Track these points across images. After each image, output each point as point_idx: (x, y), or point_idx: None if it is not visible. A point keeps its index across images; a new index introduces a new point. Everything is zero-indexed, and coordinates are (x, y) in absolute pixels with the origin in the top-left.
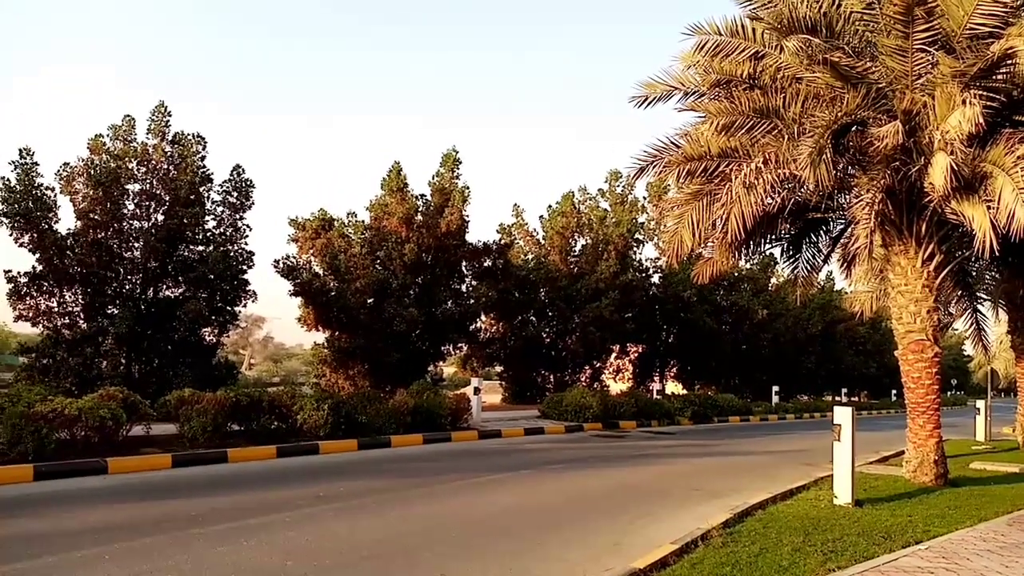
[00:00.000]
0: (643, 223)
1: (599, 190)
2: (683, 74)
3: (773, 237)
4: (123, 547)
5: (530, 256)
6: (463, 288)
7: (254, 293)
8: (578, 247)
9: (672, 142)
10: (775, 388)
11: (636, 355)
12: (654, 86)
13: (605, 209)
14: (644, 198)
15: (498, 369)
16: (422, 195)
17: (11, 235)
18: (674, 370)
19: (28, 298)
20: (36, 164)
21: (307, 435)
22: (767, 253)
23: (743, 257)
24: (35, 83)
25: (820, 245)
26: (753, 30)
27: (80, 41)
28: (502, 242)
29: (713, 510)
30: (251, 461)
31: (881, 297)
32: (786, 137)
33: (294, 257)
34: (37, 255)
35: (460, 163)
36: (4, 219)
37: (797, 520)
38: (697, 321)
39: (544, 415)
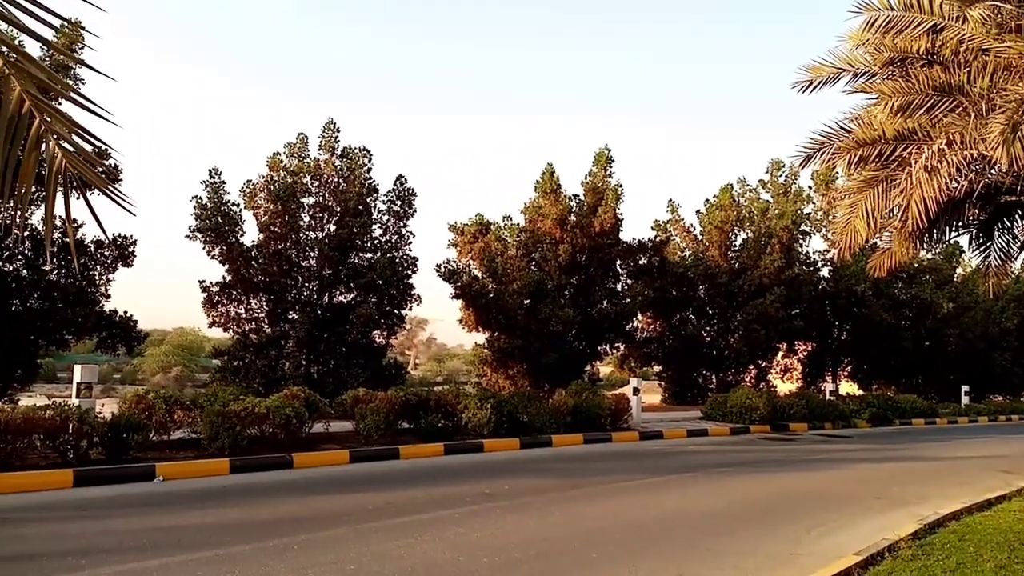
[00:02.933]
0: (809, 214)
1: (759, 181)
2: (851, 54)
3: (959, 224)
4: (309, 538)
5: (687, 252)
6: (618, 287)
7: (418, 296)
8: (738, 241)
9: (841, 127)
10: (964, 388)
11: (805, 354)
12: (819, 69)
13: (767, 201)
14: (809, 187)
15: (656, 369)
16: (575, 195)
17: (204, 248)
18: (848, 369)
19: (220, 306)
20: (223, 183)
21: (471, 433)
22: (952, 242)
23: (924, 247)
24: (221, 102)
25: (1016, 231)
26: (930, 1)
27: (248, 63)
28: (657, 239)
29: (898, 520)
30: (421, 458)
31: None
32: (972, 115)
33: (454, 261)
34: (226, 266)
35: (612, 161)
36: (198, 234)
37: (999, 534)
38: (873, 316)
39: (707, 416)
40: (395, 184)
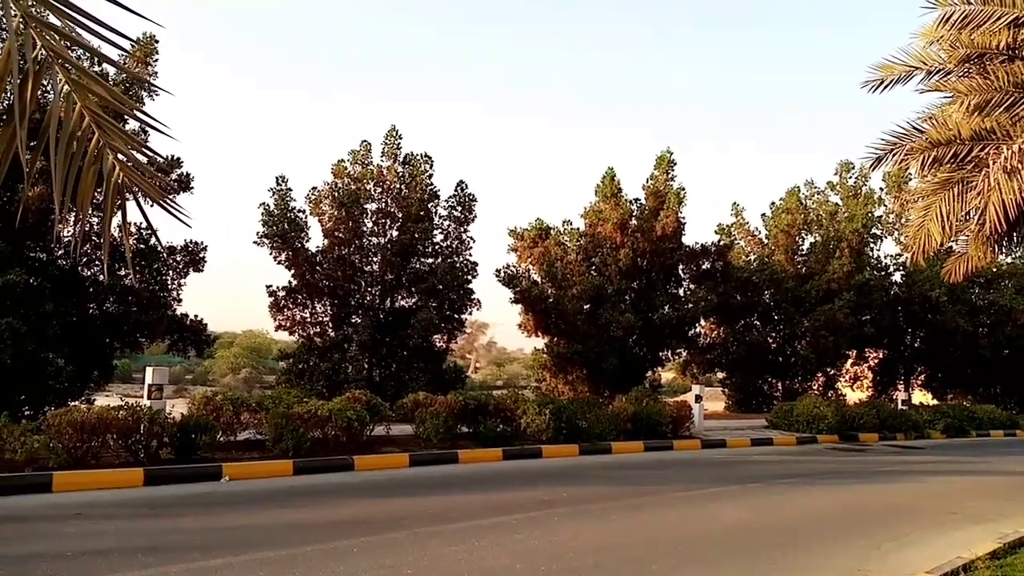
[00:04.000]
0: (880, 217)
1: (828, 183)
2: (924, 51)
3: None
4: (370, 541)
5: (752, 257)
6: (680, 292)
7: (478, 301)
8: (806, 245)
9: (913, 127)
10: None
11: (876, 361)
12: (891, 68)
13: (836, 203)
14: (881, 189)
15: (720, 376)
16: (636, 199)
17: (271, 254)
18: (921, 378)
19: (286, 310)
20: (290, 190)
21: (530, 439)
22: None
23: (1003, 251)
24: (288, 111)
25: None
26: None
27: (318, 66)
28: (721, 243)
29: (975, 537)
30: (480, 463)
31: None
32: None
33: (514, 266)
34: (292, 271)
35: (674, 164)
36: (265, 240)
37: None
38: (948, 323)
39: (772, 425)
40: (456, 190)
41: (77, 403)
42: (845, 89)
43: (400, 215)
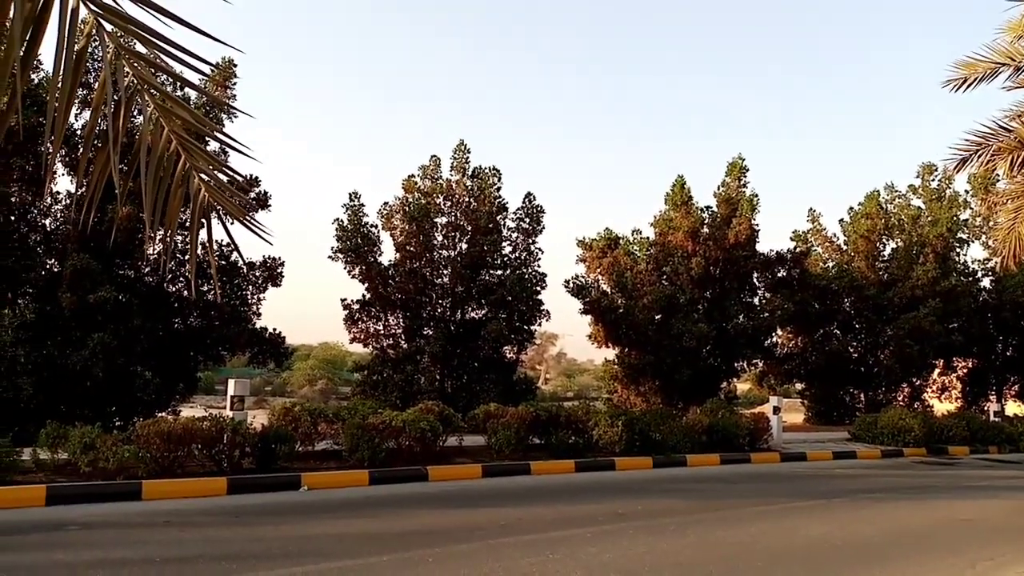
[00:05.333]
0: (966, 220)
1: (909, 186)
2: (1012, 47)
3: None
4: (443, 551)
5: (830, 263)
6: (755, 301)
7: (548, 312)
8: (887, 251)
9: (1000, 126)
10: None
11: (965, 371)
12: (974, 66)
13: (918, 207)
14: (966, 192)
15: (798, 387)
16: (707, 207)
17: (345, 268)
18: (1015, 388)
19: (360, 322)
20: (363, 205)
21: (602, 450)
22: None
23: None
24: (360, 128)
25: None
26: None
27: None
28: (797, 250)
29: None
30: (552, 474)
31: None
32: None
33: (583, 276)
34: (366, 285)
35: (747, 171)
36: (340, 255)
37: None
38: None
39: (855, 438)
40: (524, 202)
41: (164, 414)
42: (920, 90)
43: (469, 228)
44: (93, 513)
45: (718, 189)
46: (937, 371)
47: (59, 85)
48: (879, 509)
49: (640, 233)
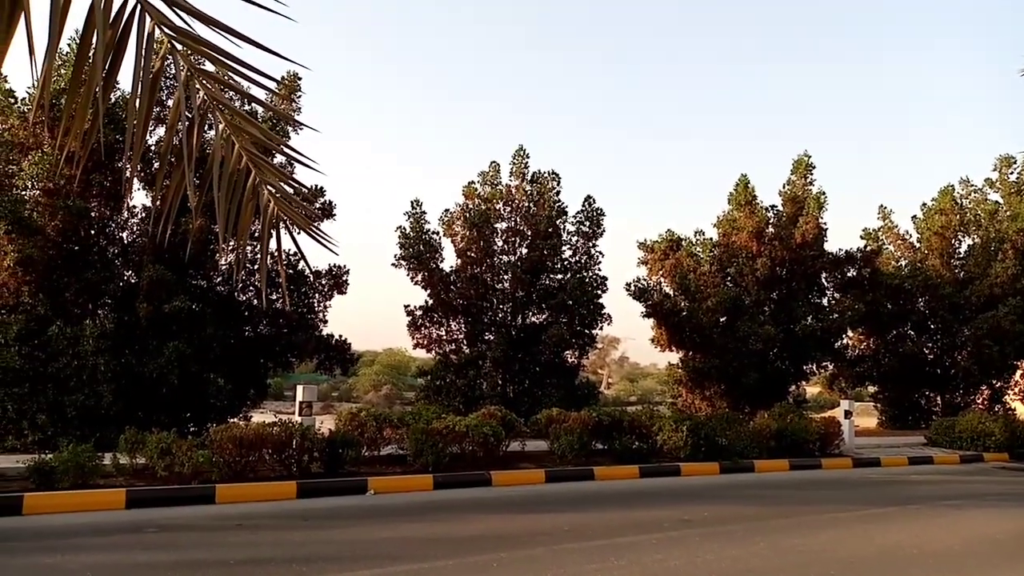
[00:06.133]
0: None
1: (986, 180)
2: None
3: None
4: (507, 556)
5: (903, 262)
6: (824, 302)
7: (609, 316)
8: (963, 248)
9: None
10: None
11: None
12: None
13: (995, 201)
14: None
15: (871, 390)
16: (772, 206)
17: (408, 275)
18: None
19: (423, 328)
20: (424, 213)
21: (667, 456)
22: None
23: None
24: (421, 138)
25: None
26: None
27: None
28: (867, 249)
29: None
30: (615, 480)
31: None
32: None
33: (644, 279)
34: (428, 291)
35: (812, 168)
36: (403, 262)
37: None
38: None
39: (931, 442)
40: (583, 205)
41: (235, 420)
42: (994, 79)
43: (529, 232)
44: (169, 516)
45: (783, 188)
46: (1019, 372)
47: (137, 105)
48: (957, 517)
49: (703, 234)
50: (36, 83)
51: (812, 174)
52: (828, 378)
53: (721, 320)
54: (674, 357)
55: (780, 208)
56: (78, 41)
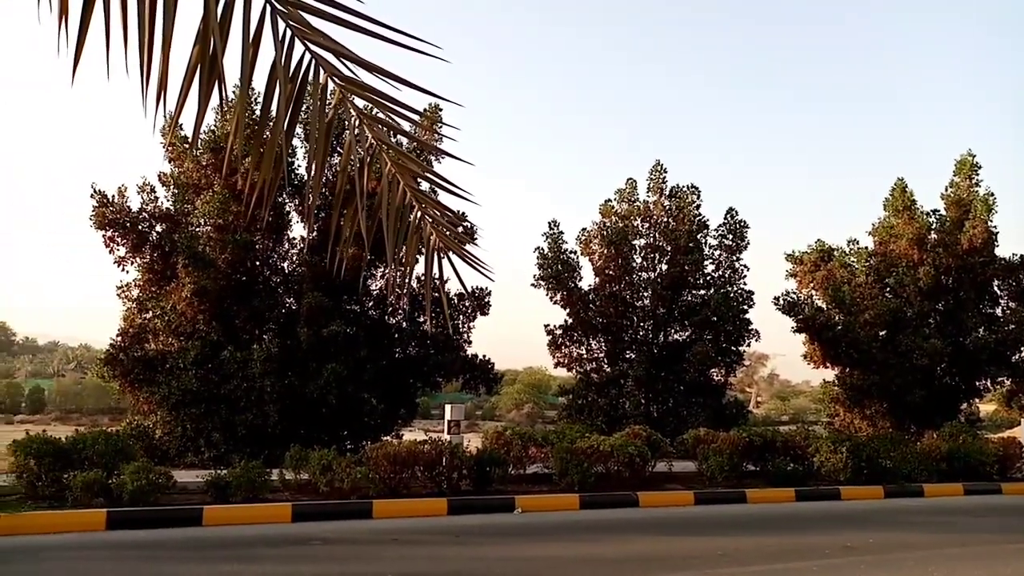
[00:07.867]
0: None
1: None
2: None
3: None
4: None
5: None
6: (998, 312)
7: (756, 332)
8: None
9: None
10: None
11: None
12: None
13: None
14: None
15: None
16: (934, 210)
17: (547, 295)
18: None
19: (563, 347)
20: (562, 233)
21: (825, 479)
22: None
23: None
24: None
25: None
26: None
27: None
28: None
29: None
30: (769, 503)
31: None
32: None
33: (794, 292)
34: (567, 310)
35: (978, 168)
36: (542, 282)
37: None
38: None
39: None
40: (726, 217)
41: (388, 438)
42: None
43: (669, 248)
44: (331, 529)
45: (945, 191)
46: None
47: (315, 149)
48: None
49: (857, 243)
50: (211, 131)
51: (977, 175)
52: (1005, 394)
53: (880, 334)
54: (828, 374)
55: (943, 212)
56: (261, 94)
